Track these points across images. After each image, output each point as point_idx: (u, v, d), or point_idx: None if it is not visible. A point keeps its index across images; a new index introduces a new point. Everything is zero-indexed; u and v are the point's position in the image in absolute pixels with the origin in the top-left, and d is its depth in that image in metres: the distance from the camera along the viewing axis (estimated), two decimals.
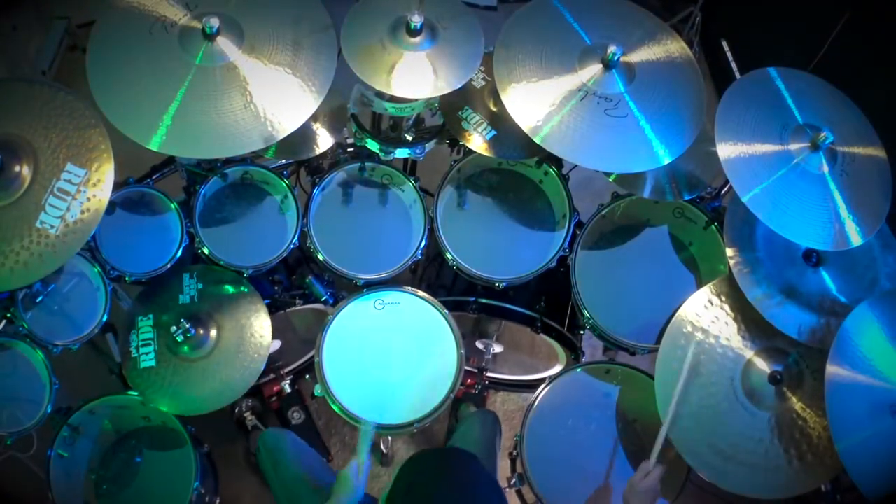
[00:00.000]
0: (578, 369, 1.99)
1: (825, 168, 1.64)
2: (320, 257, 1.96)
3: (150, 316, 1.91)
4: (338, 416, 1.86)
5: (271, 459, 1.85)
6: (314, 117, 1.89)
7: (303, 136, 1.96)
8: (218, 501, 2.07)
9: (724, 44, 2.23)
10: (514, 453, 1.92)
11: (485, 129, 1.99)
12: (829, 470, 1.66)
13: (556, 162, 2.06)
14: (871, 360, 1.55)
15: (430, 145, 2.04)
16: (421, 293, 1.98)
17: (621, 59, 1.72)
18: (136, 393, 1.84)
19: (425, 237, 2.00)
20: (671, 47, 1.82)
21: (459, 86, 1.75)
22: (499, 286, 2.00)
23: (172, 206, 1.90)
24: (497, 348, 2.33)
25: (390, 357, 1.92)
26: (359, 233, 2.06)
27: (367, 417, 1.84)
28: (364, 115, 2.02)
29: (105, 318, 1.78)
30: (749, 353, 1.76)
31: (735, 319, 1.78)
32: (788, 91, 1.73)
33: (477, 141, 1.98)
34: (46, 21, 3.00)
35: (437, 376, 1.89)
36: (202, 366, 1.87)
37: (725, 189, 2.01)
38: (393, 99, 1.82)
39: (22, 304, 1.70)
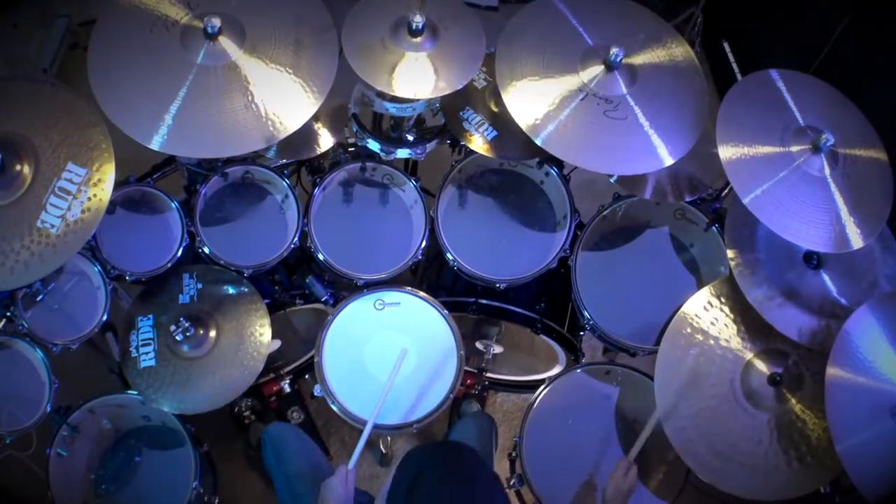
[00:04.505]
0: (578, 370, 1.99)
1: (826, 170, 1.64)
2: (321, 257, 1.96)
3: (151, 316, 1.91)
4: (337, 416, 1.86)
5: (275, 453, 1.85)
6: (315, 117, 1.89)
7: (304, 135, 1.96)
8: (217, 501, 2.07)
9: (726, 45, 2.24)
10: (514, 454, 1.92)
11: (486, 129, 1.99)
12: (828, 472, 1.66)
13: (558, 163, 2.06)
14: (871, 363, 1.54)
15: (431, 146, 2.04)
16: (421, 293, 1.98)
17: (623, 61, 1.72)
18: (135, 392, 1.84)
19: (426, 237, 2.00)
20: (675, 50, 1.82)
21: (461, 86, 1.75)
22: (499, 287, 2.00)
23: (173, 205, 1.90)
24: (497, 349, 2.33)
25: (390, 357, 1.92)
26: (359, 233, 2.06)
27: (367, 417, 1.84)
28: (365, 116, 2.02)
29: (105, 317, 1.78)
30: (749, 355, 1.76)
31: (735, 321, 1.78)
32: (790, 93, 1.73)
33: (478, 141, 1.98)
34: (47, 19, 3.00)
35: (437, 376, 1.89)
36: (202, 365, 1.87)
37: (726, 191, 2.01)
38: (394, 99, 1.82)
39: (22, 302, 1.70)
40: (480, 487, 1.26)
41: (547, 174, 2.09)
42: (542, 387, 1.95)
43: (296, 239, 1.94)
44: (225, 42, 1.64)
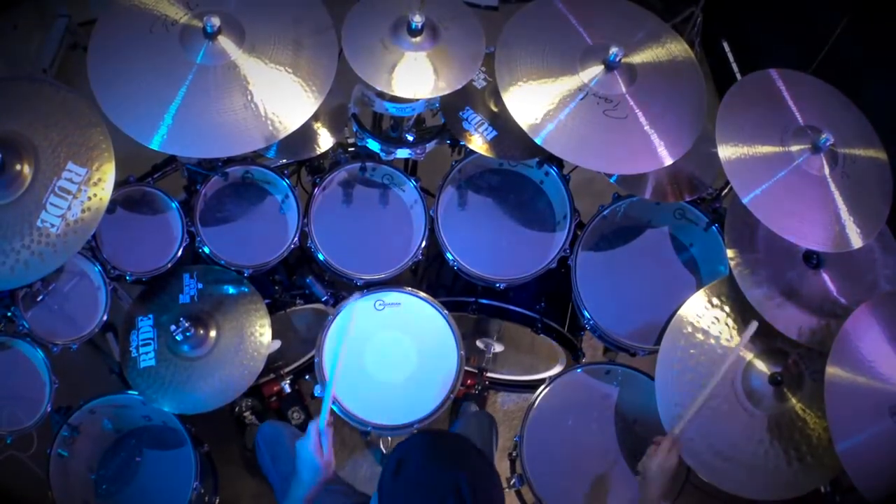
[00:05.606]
0: (578, 370, 1.99)
1: (826, 170, 1.64)
2: (321, 257, 1.96)
3: (151, 315, 1.91)
4: (337, 416, 1.86)
5: (270, 453, 1.85)
6: (315, 117, 1.88)
7: (303, 135, 1.96)
8: (217, 501, 2.07)
9: (725, 45, 2.24)
10: (514, 454, 1.92)
11: (486, 129, 1.99)
12: (828, 471, 1.66)
13: (557, 162, 2.06)
14: (871, 362, 1.55)
15: (430, 145, 2.04)
16: (421, 293, 1.98)
17: (622, 60, 1.72)
18: (136, 392, 1.84)
19: (426, 237, 2.00)
20: (673, 48, 1.82)
21: (460, 86, 1.75)
22: (499, 286, 2.00)
23: (173, 205, 1.90)
24: (497, 349, 2.33)
25: (390, 357, 1.92)
26: (359, 233, 2.06)
27: (367, 417, 1.84)
28: (365, 115, 2.02)
29: (105, 317, 1.78)
30: (749, 355, 1.76)
31: (735, 320, 1.78)
32: (789, 92, 1.73)
33: (478, 141, 1.98)
34: (47, 19, 3.00)
35: (437, 377, 1.89)
36: (202, 365, 1.87)
37: (726, 190, 2.01)
38: (394, 99, 1.82)
39: (22, 303, 1.70)
40: (468, 466, 1.24)
41: (547, 174, 2.09)
42: (543, 386, 1.95)
43: (296, 239, 1.94)
44: (224, 42, 1.64)
